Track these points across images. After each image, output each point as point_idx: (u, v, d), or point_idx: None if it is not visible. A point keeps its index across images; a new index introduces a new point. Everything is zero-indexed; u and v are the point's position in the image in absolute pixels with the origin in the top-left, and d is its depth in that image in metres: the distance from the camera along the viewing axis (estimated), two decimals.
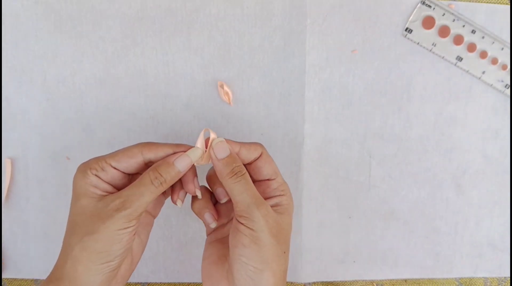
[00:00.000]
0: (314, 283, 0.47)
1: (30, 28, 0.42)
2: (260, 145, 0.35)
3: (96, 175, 0.31)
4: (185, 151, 0.33)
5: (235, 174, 0.32)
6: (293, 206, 0.35)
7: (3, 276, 0.45)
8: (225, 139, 0.34)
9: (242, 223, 0.31)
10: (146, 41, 0.43)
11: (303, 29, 0.43)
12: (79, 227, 0.30)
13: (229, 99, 0.43)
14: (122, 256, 0.31)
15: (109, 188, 0.32)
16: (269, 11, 0.43)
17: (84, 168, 0.31)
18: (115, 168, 0.32)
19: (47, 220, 0.45)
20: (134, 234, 0.31)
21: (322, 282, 0.47)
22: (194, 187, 0.34)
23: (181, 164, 0.32)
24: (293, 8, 0.43)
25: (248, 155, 0.34)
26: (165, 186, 0.31)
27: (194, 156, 0.33)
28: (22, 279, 0.46)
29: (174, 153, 0.33)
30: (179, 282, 0.46)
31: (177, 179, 0.32)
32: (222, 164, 0.32)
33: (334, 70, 0.44)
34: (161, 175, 0.31)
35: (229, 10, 0.42)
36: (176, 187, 0.35)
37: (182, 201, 0.35)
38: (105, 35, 0.42)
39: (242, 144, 0.34)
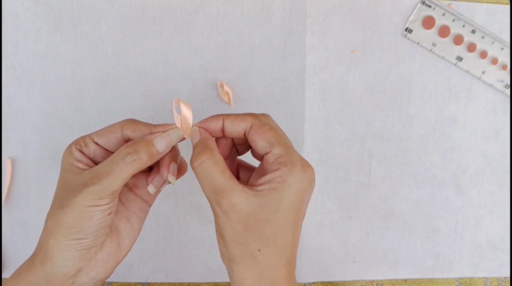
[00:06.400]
0: (314, 283, 0.47)
1: (30, 28, 0.42)
2: (253, 115, 0.30)
3: (79, 150, 0.31)
4: (164, 131, 0.31)
5: (193, 164, 0.29)
6: (304, 178, 0.29)
7: (3, 276, 0.45)
8: (215, 115, 0.31)
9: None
10: (146, 41, 0.43)
11: (303, 29, 0.43)
12: (56, 200, 0.30)
13: (229, 99, 0.43)
14: (96, 235, 0.29)
15: (91, 163, 0.31)
16: (269, 11, 0.43)
17: (71, 144, 0.31)
18: (96, 144, 0.31)
19: None
20: (110, 214, 0.29)
21: (322, 282, 0.47)
22: (167, 172, 0.31)
23: (161, 143, 0.30)
24: (293, 8, 0.43)
25: (234, 127, 0.30)
26: (140, 165, 0.29)
27: (176, 136, 0.31)
28: None
29: (151, 133, 0.31)
30: (179, 282, 0.46)
31: (155, 160, 0.30)
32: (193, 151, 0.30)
33: (334, 70, 0.44)
34: (136, 151, 0.29)
35: (229, 10, 0.42)
36: (152, 170, 0.33)
37: (156, 187, 0.32)
38: (105, 35, 0.42)
39: (227, 116, 0.31)
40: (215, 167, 0.29)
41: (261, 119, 0.30)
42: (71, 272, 0.29)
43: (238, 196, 0.28)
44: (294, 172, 0.28)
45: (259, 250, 0.28)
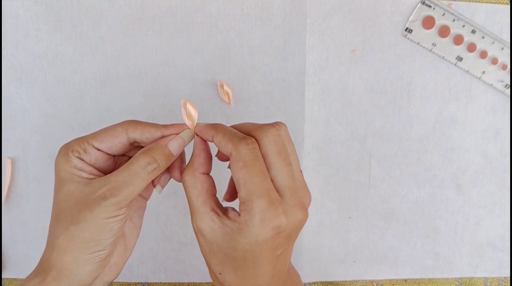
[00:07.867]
0: (314, 283, 0.47)
1: (30, 28, 0.42)
2: (235, 144, 0.28)
3: (79, 158, 0.29)
4: (176, 134, 0.30)
5: (182, 178, 0.30)
6: (261, 232, 0.27)
7: (3, 276, 0.45)
8: (209, 125, 0.30)
9: None
10: (146, 41, 0.43)
11: (303, 29, 0.43)
12: (65, 215, 0.28)
13: (229, 99, 0.43)
14: (113, 244, 0.29)
15: (94, 171, 0.29)
16: (269, 11, 0.43)
17: (66, 150, 0.29)
18: (98, 149, 0.29)
19: (47, 220, 0.45)
20: (125, 221, 0.29)
21: (322, 282, 0.47)
22: (179, 174, 0.31)
23: (175, 147, 0.30)
24: (293, 8, 0.43)
25: (221, 147, 0.29)
26: (158, 172, 0.29)
27: (188, 138, 0.31)
28: (22, 279, 0.46)
29: (163, 136, 0.30)
30: (179, 282, 0.46)
31: (169, 164, 0.30)
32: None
33: (334, 70, 0.44)
34: (155, 160, 0.28)
35: (229, 10, 0.42)
36: None
37: (163, 187, 0.32)
38: (105, 35, 0.42)
39: (216, 133, 0.29)
40: (192, 189, 0.29)
41: (239, 151, 0.27)
42: (88, 283, 0.29)
43: (204, 223, 0.29)
44: (250, 225, 0.27)
45: (220, 273, 0.29)
